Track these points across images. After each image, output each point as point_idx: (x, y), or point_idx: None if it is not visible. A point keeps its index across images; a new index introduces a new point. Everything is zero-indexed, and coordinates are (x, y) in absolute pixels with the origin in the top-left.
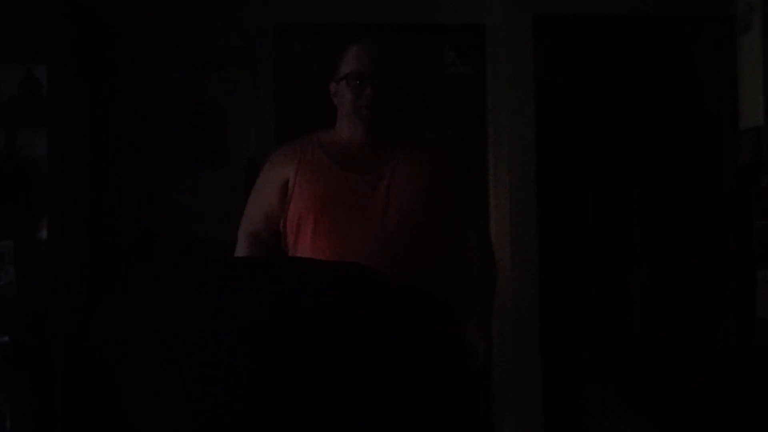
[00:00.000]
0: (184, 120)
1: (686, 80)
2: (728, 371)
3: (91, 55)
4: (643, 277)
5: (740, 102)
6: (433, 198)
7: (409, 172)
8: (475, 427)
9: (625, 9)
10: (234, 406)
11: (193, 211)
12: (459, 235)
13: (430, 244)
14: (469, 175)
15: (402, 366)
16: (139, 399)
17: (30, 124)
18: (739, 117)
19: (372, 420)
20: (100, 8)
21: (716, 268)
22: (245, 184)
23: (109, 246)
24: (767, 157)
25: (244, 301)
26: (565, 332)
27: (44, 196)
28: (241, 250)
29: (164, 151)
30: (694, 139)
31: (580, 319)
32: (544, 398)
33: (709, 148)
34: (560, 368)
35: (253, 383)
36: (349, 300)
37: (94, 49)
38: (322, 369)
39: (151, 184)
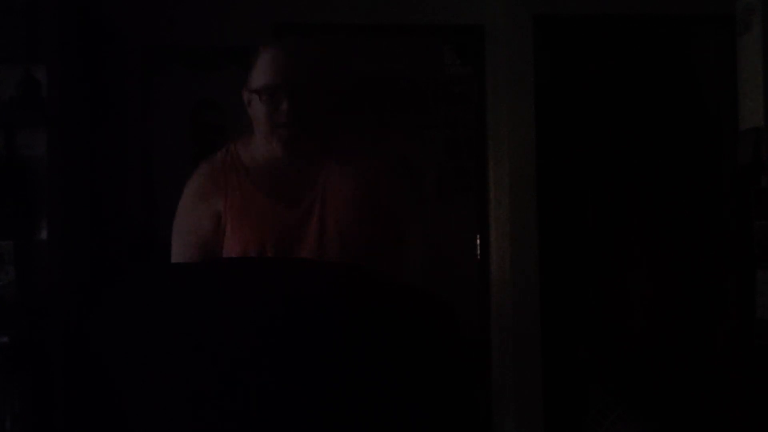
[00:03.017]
0: (183, 120)
1: (686, 80)
2: (728, 371)
3: (91, 55)
4: (643, 277)
5: (740, 102)
6: (368, 215)
7: (339, 193)
8: (474, 427)
9: (625, 9)
10: (235, 407)
11: None
12: (398, 245)
13: (370, 260)
14: (403, 180)
15: (401, 366)
16: (139, 399)
17: (29, 124)
18: (739, 117)
19: (372, 420)
20: (99, 8)
21: (716, 268)
22: None
23: (108, 246)
24: (767, 157)
25: (244, 301)
26: (565, 332)
27: (44, 197)
28: None
29: (163, 150)
30: (694, 140)
31: (580, 319)
32: (544, 398)
33: (709, 148)
34: (560, 368)
35: (254, 383)
36: (349, 300)
37: (93, 49)
38: (321, 369)
39: (151, 184)
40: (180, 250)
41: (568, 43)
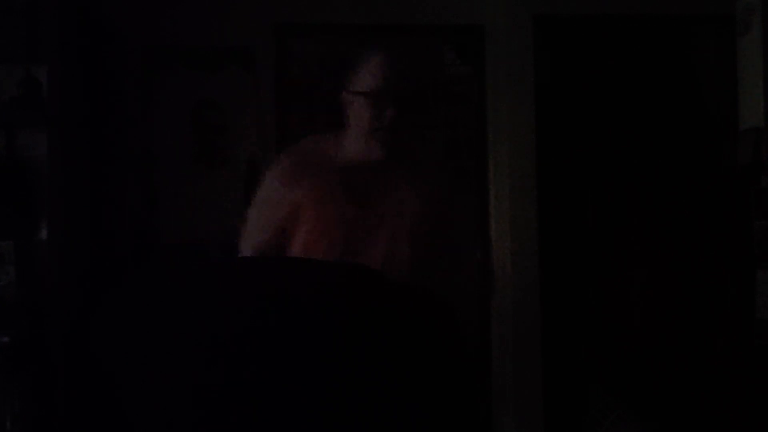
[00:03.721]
0: (183, 120)
1: (686, 80)
2: (728, 371)
3: (91, 55)
4: (643, 277)
5: (740, 102)
6: (431, 229)
7: (415, 202)
8: (474, 427)
9: (625, 9)
10: (235, 407)
11: (193, 211)
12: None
13: (426, 272)
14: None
15: (401, 365)
16: (139, 399)
17: (30, 124)
18: (739, 117)
19: (372, 419)
20: (100, 8)
21: (716, 268)
22: (245, 184)
23: (109, 246)
24: (767, 157)
25: (244, 301)
26: (565, 332)
27: (44, 197)
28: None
29: (164, 151)
30: (694, 140)
31: (580, 319)
32: (544, 398)
33: (709, 148)
34: (560, 368)
35: (254, 383)
36: (349, 299)
37: (94, 49)
38: (322, 369)
39: (151, 185)
40: (253, 234)
41: (568, 43)
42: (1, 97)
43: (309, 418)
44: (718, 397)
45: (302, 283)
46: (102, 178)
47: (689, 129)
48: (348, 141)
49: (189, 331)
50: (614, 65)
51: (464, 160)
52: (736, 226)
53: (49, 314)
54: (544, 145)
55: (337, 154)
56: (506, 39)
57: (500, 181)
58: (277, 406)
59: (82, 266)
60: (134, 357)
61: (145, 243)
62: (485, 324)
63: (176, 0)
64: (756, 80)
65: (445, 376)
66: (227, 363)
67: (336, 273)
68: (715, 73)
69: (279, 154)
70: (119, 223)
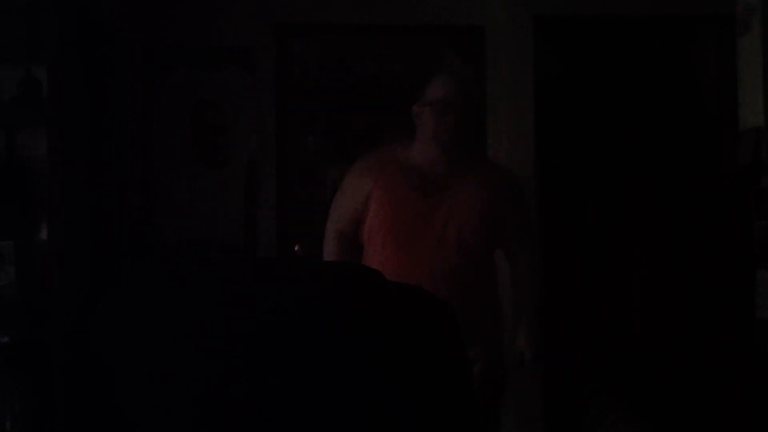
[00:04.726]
0: (183, 120)
1: (686, 81)
2: (728, 371)
3: (91, 55)
4: (643, 277)
5: (740, 102)
6: (489, 221)
7: (470, 196)
8: (474, 427)
9: (625, 9)
10: (235, 407)
11: (193, 211)
12: (510, 253)
13: (480, 260)
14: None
15: (401, 366)
16: (140, 399)
17: (30, 124)
18: (739, 117)
19: (372, 420)
20: (100, 8)
21: (716, 268)
22: (245, 184)
23: (109, 246)
24: (767, 157)
25: (244, 301)
26: (566, 332)
27: (44, 197)
28: (329, 242)
29: (164, 151)
30: (694, 140)
31: (580, 320)
32: (544, 398)
33: (709, 149)
34: (560, 368)
35: (255, 384)
36: (348, 299)
37: (94, 49)
38: (321, 369)
39: (151, 185)
40: (336, 216)
41: (568, 43)
42: (1, 97)
43: (309, 419)
44: (718, 397)
45: (302, 283)
46: (102, 178)
47: (689, 129)
48: (416, 145)
49: (189, 332)
50: (614, 65)
51: None
52: (736, 226)
53: (49, 314)
54: (544, 145)
55: (406, 155)
56: (506, 39)
57: None
58: (277, 406)
59: (82, 266)
60: (134, 357)
61: (145, 243)
62: None
63: (176, 0)
64: (756, 80)
65: (445, 377)
66: (227, 363)
67: (336, 273)
68: (715, 73)
69: (360, 156)
70: (119, 223)
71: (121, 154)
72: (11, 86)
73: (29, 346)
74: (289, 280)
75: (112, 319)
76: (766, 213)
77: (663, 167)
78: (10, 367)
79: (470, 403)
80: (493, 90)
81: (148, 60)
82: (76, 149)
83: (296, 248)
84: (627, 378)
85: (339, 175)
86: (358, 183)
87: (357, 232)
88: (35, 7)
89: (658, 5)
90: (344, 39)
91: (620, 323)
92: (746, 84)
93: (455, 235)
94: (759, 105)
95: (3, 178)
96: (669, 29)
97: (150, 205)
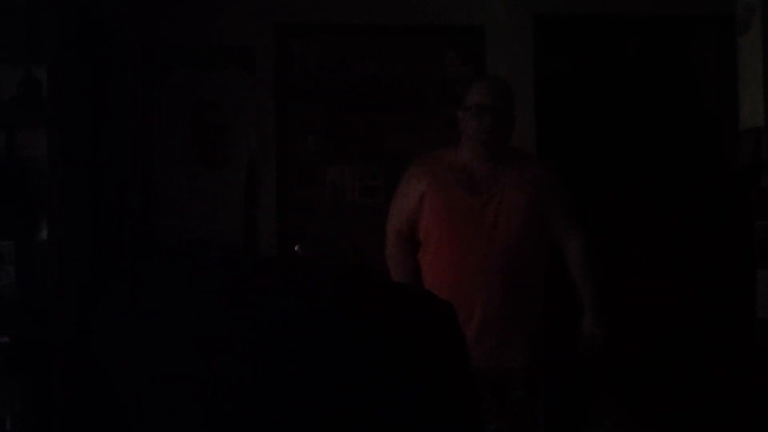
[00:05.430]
0: (183, 120)
1: (686, 81)
2: (728, 371)
3: (91, 55)
4: (643, 277)
5: (740, 102)
6: (536, 214)
7: (515, 193)
8: (475, 428)
9: (625, 9)
10: (235, 407)
11: (193, 211)
12: (560, 243)
13: (531, 253)
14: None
15: (401, 366)
16: (140, 400)
17: (30, 124)
18: (739, 117)
19: (372, 420)
20: (99, 8)
21: (716, 268)
22: (245, 184)
23: (109, 246)
24: (767, 157)
25: (244, 301)
26: (566, 332)
27: (44, 197)
28: (390, 242)
29: (164, 151)
30: (694, 139)
31: (580, 320)
32: (544, 398)
33: (709, 148)
34: (560, 368)
35: (255, 383)
36: (349, 300)
37: (94, 49)
38: (321, 369)
39: (151, 184)
40: (393, 218)
41: (568, 43)
42: (1, 97)
43: (309, 418)
44: (719, 397)
45: (302, 283)
46: (102, 178)
47: (689, 129)
48: (461, 147)
49: (189, 332)
50: (614, 65)
51: None
52: (736, 226)
53: (49, 314)
54: (544, 145)
55: (454, 157)
56: (506, 39)
57: None
58: (277, 406)
59: (82, 266)
60: (135, 357)
61: (145, 243)
62: None
63: (176, 0)
64: (756, 80)
65: (445, 377)
66: (227, 363)
67: (336, 273)
68: (715, 73)
69: (413, 159)
70: (119, 223)
71: (121, 154)
72: (11, 86)
73: (29, 346)
74: (290, 280)
75: (112, 319)
76: (766, 213)
77: (663, 167)
78: (10, 367)
79: (470, 402)
80: None
81: (148, 60)
82: (76, 149)
83: (296, 248)
84: (627, 378)
85: (339, 175)
86: (412, 185)
87: (414, 232)
88: (35, 7)
89: (658, 5)
90: (344, 39)
91: (620, 323)
92: (746, 84)
93: (504, 231)
94: (759, 105)
95: (3, 178)
96: (669, 29)
97: (150, 205)
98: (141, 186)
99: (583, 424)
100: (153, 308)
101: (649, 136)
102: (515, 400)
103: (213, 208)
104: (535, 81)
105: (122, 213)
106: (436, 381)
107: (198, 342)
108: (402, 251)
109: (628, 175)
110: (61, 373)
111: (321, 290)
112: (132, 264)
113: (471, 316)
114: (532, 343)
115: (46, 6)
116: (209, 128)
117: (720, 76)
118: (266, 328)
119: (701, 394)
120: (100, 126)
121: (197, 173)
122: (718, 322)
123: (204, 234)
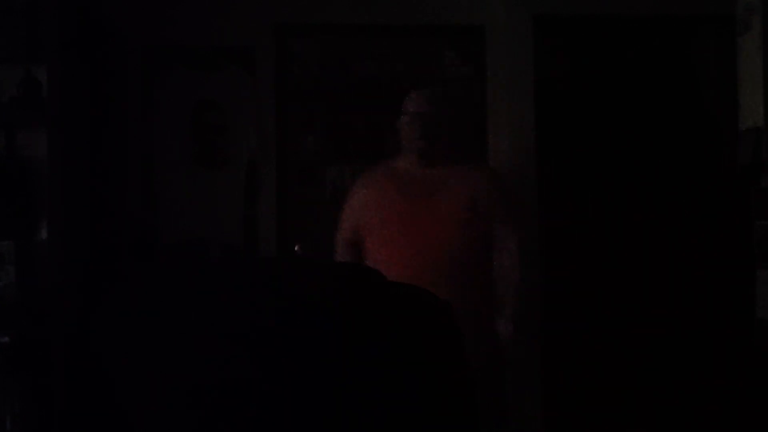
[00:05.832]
0: (183, 120)
1: (686, 80)
2: (728, 371)
3: (91, 55)
4: (643, 277)
5: (740, 102)
6: (472, 218)
7: (451, 196)
8: (474, 428)
9: (625, 9)
10: (235, 407)
11: (193, 211)
12: (494, 246)
13: (468, 257)
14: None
15: (401, 366)
16: (140, 399)
17: (30, 124)
18: (739, 117)
19: (372, 420)
20: (99, 8)
21: (716, 268)
22: (245, 184)
23: (109, 246)
24: (767, 157)
25: (244, 301)
26: (566, 332)
27: (44, 197)
28: (339, 253)
29: (164, 151)
30: (694, 140)
31: (580, 320)
32: (544, 398)
33: (709, 148)
34: (560, 368)
35: (254, 383)
36: (348, 300)
37: (94, 49)
38: (321, 369)
39: (151, 185)
40: (341, 228)
41: (568, 43)
42: (1, 97)
43: (308, 418)
44: (719, 397)
45: (302, 283)
46: (102, 178)
47: (689, 129)
48: (400, 155)
49: (189, 331)
50: (614, 65)
51: None
52: (736, 226)
53: (49, 314)
54: (544, 145)
55: (395, 165)
56: (506, 39)
57: None
58: (277, 406)
59: (82, 266)
60: (134, 357)
61: (145, 243)
62: None
63: (176, 0)
64: (756, 80)
65: (445, 377)
66: (227, 363)
67: (336, 273)
68: (715, 73)
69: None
70: (119, 223)
71: (121, 154)
72: (11, 86)
73: (29, 346)
74: (290, 280)
75: (112, 319)
76: (766, 213)
77: (663, 167)
78: (10, 367)
79: (469, 402)
80: (493, 90)
81: (148, 60)
82: (76, 149)
83: (296, 248)
84: (627, 378)
85: (339, 175)
86: (356, 195)
87: (360, 239)
88: (35, 7)
89: (658, 5)
90: (344, 39)
91: (620, 323)
92: (746, 84)
93: (439, 235)
94: (759, 105)
95: (3, 178)
96: (669, 29)
97: (150, 205)
98: (141, 186)
99: (584, 424)
100: (153, 308)
101: (649, 136)
102: None
103: (213, 208)
104: (535, 81)
105: (122, 213)
106: (435, 380)
107: (198, 342)
108: (351, 259)
109: (628, 174)
110: (61, 373)
111: (321, 290)
112: (132, 264)
113: None
114: (476, 345)
115: (46, 6)
116: (209, 128)
117: (720, 76)
118: (266, 328)
119: (701, 395)
120: (100, 126)
121: (197, 173)
122: (717, 322)
123: (204, 234)
